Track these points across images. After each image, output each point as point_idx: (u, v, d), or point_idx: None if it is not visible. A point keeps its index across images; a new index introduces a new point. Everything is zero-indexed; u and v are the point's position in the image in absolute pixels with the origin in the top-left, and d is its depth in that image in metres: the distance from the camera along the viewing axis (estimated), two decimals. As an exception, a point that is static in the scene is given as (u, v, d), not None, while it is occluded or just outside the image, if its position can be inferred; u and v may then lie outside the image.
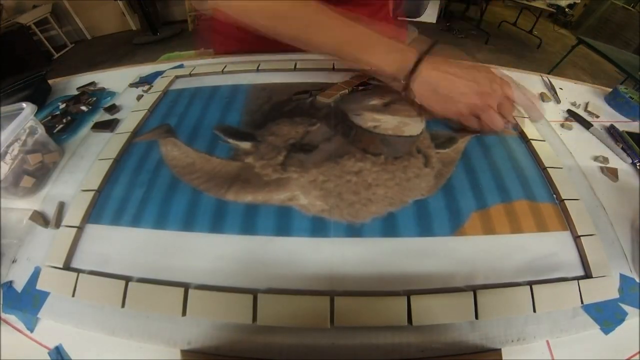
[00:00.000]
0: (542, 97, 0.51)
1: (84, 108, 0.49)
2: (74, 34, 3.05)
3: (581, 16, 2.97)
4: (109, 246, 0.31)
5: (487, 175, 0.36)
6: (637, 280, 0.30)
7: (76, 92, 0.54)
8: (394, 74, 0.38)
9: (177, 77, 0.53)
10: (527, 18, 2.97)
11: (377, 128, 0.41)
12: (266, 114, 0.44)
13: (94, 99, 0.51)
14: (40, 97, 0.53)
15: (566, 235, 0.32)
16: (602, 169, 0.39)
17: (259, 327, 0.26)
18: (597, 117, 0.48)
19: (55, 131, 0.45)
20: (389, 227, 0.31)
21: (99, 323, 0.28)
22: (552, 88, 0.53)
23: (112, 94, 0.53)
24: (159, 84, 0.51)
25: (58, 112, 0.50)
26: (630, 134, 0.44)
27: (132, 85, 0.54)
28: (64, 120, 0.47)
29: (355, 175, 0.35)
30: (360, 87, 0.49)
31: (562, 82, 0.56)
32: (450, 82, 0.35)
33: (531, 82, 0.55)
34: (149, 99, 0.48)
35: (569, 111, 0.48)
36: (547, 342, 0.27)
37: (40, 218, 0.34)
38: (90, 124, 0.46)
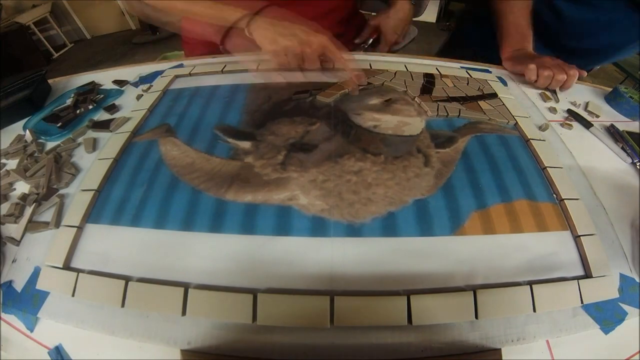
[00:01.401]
0: (542, 96, 0.51)
1: (90, 107, 0.49)
2: (74, 34, 3.05)
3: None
4: (109, 246, 0.31)
5: (487, 174, 0.36)
6: (637, 280, 0.30)
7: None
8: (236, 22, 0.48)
9: (176, 76, 0.53)
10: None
11: (377, 127, 0.41)
12: (266, 113, 0.44)
13: (102, 96, 0.51)
14: (40, 96, 0.53)
15: (566, 235, 0.32)
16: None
17: (259, 327, 0.26)
18: (598, 116, 0.48)
19: (57, 126, 0.46)
20: (389, 226, 0.31)
21: (98, 323, 0.28)
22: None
23: (120, 92, 0.53)
24: (159, 84, 0.51)
25: (70, 104, 0.50)
26: (630, 133, 0.43)
27: (131, 84, 0.54)
28: (75, 113, 0.48)
29: (355, 174, 0.35)
30: (360, 87, 0.49)
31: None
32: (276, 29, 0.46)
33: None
34: (149, 98, 0.48)
35: (569, 111, 0.48)
36: (547, 341, 0.27)
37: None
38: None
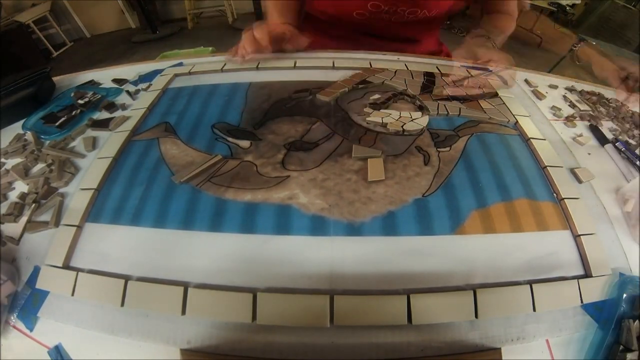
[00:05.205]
0: (537, 94, 0.51)
1: (89, 105, 0.49)
2: (73, 32, 3.05)
3: (582, 15, 2.96)
4: (109, 245, 0.31)
5: (487, 173, 0.36)
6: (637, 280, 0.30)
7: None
8: None
9: (176, 75, 0.53)
10: (527, 16, 2.96)
11: (377, 126, 0.41)
12: (266, 112, 0.44)
13: (101, 95, 0.51)
14: (44, 94, 0.53)
15: (566, 234, 0.32)
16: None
17: (259, 326, 0.26)
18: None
19: (56, 125, 0.45)
20: (388, 225, 0.31)
21: (98, 322, 0.28)
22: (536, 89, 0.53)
23: (119, 91, 0.52)
24: (158, 82, 0.51)
25: (69, 102, 0.50)
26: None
27: (131, 83, 0.53)
28: (73, 113, 0.47)
29: (355, 173, 0.35)
30: (360, 86, 0.48)
31: (561, 81, 0.56)
32: None
33: (528, 80, 0.55)
34: (148, 97, 0.48)
35: (591, 126, 0.45)
36: (547, 341, 0.27)
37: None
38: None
